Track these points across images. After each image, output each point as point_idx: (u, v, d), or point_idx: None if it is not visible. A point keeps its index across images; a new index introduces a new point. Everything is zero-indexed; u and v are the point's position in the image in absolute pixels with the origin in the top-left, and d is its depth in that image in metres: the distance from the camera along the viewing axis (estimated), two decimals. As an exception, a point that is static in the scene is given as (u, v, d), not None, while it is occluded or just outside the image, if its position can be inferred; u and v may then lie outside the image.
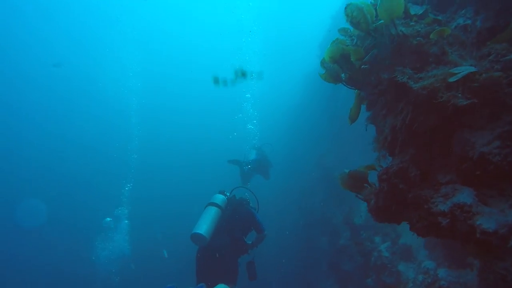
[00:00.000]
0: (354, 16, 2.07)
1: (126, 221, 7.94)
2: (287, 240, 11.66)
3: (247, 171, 8.18)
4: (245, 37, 16.33)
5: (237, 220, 4.31)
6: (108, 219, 6.68)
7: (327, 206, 9.58)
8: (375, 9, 2.06)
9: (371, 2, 2.20)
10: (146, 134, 19.06)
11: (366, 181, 2.08)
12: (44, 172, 21.13)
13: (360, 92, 2.53)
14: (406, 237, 5.83)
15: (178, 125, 25.45)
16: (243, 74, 8.20)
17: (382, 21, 1.99)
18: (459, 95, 1.63)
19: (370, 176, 2.29)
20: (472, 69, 1.61)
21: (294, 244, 11.25)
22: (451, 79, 1.62)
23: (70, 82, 25.57)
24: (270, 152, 9.25)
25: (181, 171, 21.45)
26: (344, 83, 2.46)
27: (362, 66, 2.21)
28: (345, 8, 2.09)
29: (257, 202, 4.86)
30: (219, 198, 4.30)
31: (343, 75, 2.40)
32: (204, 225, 3.83)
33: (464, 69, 1.63)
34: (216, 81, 8.02)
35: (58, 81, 25.25)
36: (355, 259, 7.29)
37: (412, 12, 2.14)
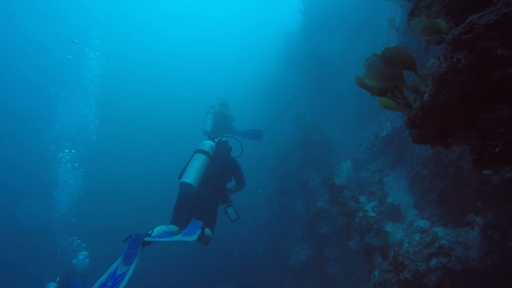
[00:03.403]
0: None
1: None
2: (261, 206, 11.09)
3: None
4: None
5: (225, 171, 4.24)
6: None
7: (304, 169, 8.96)
8: None
9: None
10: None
11: (413, 66, 1.23)
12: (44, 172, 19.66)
13: None
14: (394, 195, 5.30)
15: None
16: None
17: None
18: None
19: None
20: None
21: (268, 210, 10.71)
22: None
23: (70, 83, 23.88)
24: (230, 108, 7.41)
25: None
26: None
27: None
28: None
29: (242, 150, 4.66)
30: (207, 145, 4.04)
31: None
32: (193, 174, 3.71)
33: None
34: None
35: (58, 80, 23.81)
36: (333, 222, 6.78)
37: None
